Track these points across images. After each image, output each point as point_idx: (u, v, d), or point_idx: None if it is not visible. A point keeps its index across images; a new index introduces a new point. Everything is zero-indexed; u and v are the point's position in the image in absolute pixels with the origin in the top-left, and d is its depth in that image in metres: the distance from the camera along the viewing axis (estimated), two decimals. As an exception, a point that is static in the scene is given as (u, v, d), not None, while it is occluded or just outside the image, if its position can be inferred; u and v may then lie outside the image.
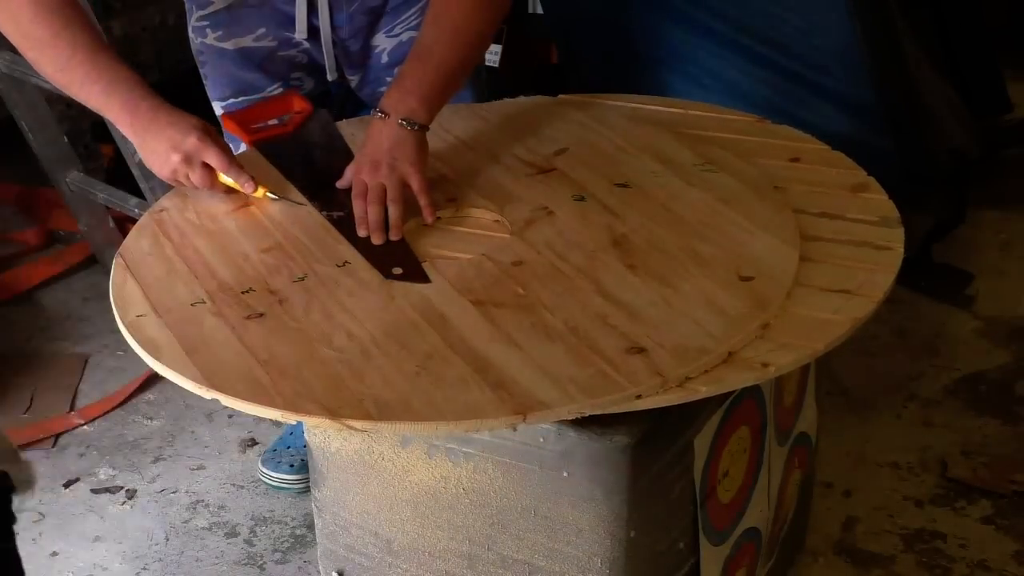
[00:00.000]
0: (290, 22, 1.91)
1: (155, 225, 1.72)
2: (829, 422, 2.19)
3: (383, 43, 1.97)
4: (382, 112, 1.71)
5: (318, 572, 1.78)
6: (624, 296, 1.50)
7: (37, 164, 2.87)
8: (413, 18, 1.95)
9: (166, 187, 1.83)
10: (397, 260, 1.60)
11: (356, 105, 2.11)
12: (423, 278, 1.56)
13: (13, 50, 2.70)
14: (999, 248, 2.97)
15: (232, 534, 2.22)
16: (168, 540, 2.21)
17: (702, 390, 1.35)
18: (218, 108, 2.03)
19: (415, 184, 1.68)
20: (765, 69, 2.75)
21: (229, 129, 1.90)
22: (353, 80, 2.04)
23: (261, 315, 1.50)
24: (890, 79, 2.73)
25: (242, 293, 1.55)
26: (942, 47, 3.06)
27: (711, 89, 2.74)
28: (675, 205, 1.70)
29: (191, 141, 1.66)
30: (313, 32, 1.94)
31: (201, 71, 2.03)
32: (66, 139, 2.86)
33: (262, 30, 1.94)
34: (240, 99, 2.01)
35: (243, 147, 1.91)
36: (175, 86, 3.29)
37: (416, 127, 1.69)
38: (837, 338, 1.42)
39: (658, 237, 1.62)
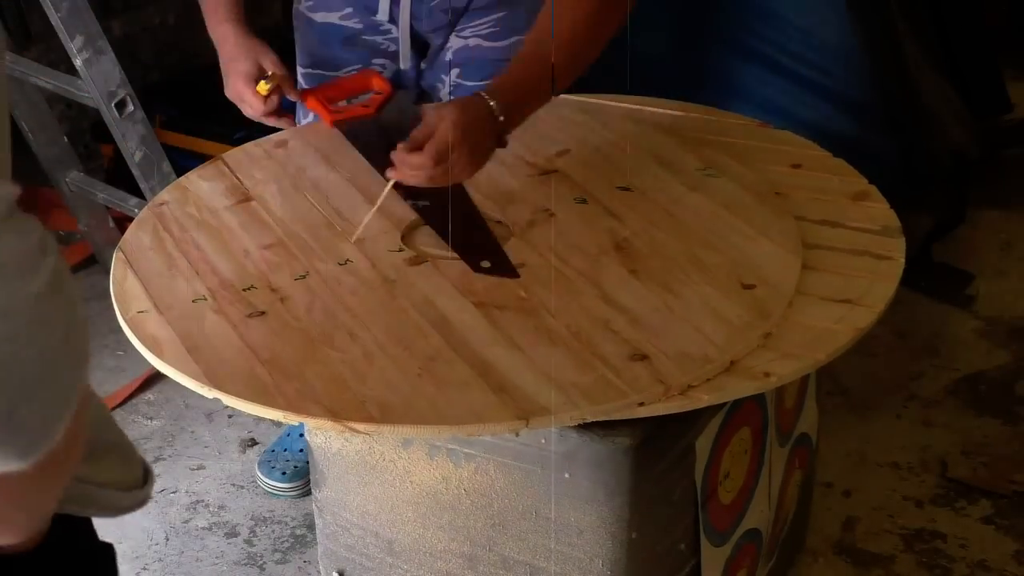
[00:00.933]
0: (375, 5, 1.93)
1: (155, 219, 1.72)
2: (829, 422, 2.20)
3: (452, 42, 1.97)
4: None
5: (318, 572, 1.78)
6: (626, 301, 1.50)
7: (37, 164, 2.87)
8: (485, 27, 1.94)
9: (165, 187, 1.84)
10: (486, 254, 1.59)
11: (420, 97, 2.12)
12: (512, 272, 1.56)
13: (13, 50, 2.71)
14: (999, 248, 2.98)
15: (232, 534, 2.22)
16: (168, 540, 2.21)
17: (704, 398, 1.36)
18: (300, 75, 2.06)
19: (436, 138, 1.56)
20: (765, 69, 2.75)
21: (310, 106, 1.91)
22: (424, 72, 2.05)
23: (263, 313, 1.50)
24: (890, 79, 2.73)
25: (243, 290, 1.55)
26: (942, 47, 3.06)
27: (711, 89, 2.74)
28: (677, 209, 1.70)
29: (234, 89, 1.88)
30: (395, 19, 1.95)
31: (295, 35, 2.10)
32: (66, 139, 2.86)
33: (348, 10, 1.96)
34: (318, 71, 2.03)
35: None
36: (175, 86, 3.31)
37: (495, 109, 1.60)
38: (838, 348, 1.42)
39: (660, 242, 1.62)
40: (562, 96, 2.12)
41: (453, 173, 1.57)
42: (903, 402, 2.46)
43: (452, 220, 1.62)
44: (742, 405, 1.58)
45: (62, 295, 0.71)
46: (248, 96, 1.83)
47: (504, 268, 1.56)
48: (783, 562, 1.93)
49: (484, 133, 1.59)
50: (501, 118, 1.59)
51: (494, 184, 1.78)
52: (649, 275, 1.55)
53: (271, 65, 1.83)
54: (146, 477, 0.96)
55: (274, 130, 1.99)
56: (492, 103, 1.58)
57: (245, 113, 1.87)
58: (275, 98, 1.83)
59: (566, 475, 1.45)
